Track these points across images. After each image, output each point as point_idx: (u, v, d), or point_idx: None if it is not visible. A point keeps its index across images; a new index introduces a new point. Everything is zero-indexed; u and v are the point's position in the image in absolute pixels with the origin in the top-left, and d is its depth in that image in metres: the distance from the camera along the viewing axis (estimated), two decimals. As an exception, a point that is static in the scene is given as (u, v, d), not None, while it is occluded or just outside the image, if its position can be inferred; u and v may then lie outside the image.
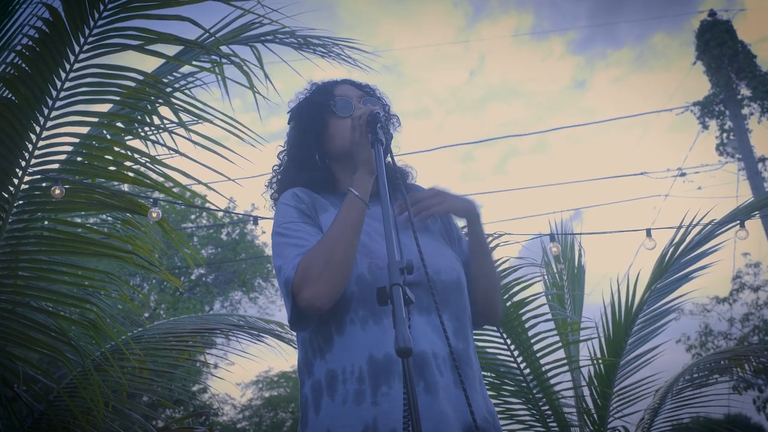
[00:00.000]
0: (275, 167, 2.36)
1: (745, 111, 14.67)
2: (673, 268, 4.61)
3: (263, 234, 22.22)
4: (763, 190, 13.71)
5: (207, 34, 3.92)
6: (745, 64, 14.79)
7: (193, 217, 21.89)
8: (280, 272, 1.93)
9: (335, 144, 2.21)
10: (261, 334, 5.30)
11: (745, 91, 14.83)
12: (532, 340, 4.64)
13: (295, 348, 5.50)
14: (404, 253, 1.97)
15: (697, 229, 4.53)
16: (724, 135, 14.80)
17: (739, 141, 14.34)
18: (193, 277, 21.55)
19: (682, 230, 4.49)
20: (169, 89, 3.86)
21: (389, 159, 2.05)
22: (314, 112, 2.27)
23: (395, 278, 1.62)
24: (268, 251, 22.16)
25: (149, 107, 3.78)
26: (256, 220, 5.72)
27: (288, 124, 2.37)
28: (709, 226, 4.47)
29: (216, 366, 6.15)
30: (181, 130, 3.83)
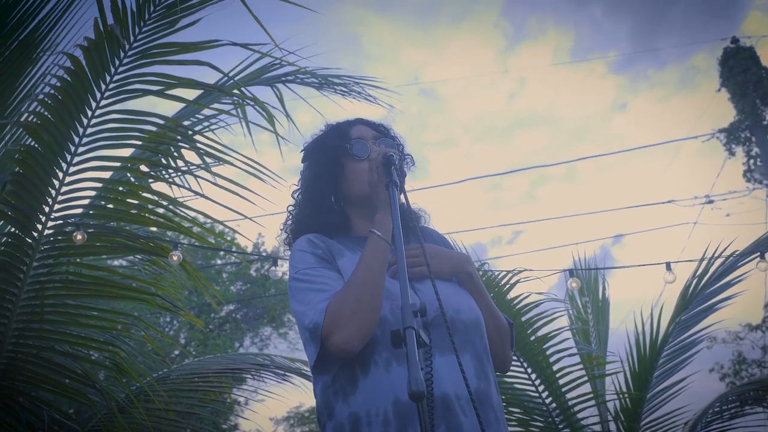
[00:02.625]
0: (290, 207, 2.37)
1: (772, 136, 14.57)
2: (697, 299, 4.57)
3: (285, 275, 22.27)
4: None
5: (226, 77, 3.99)
6: (769, 89, 14.72)
7: (222, 253, 22.01)
8: (303, 317, 1.92)
9: (352, 187, 2.21)
10: (287, 373, 5.30)
11: (770, 117, 14.75)
12: (557, 375, 4.61)
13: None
14: (423, 295, 1.98)
15: (720, 260, 4.49)
16: (751, 161, 14.69)
17: (767, 167, 14.23)
18: (222, 314, 21.61)
19: (705, 262, 4.46)
20: (190, 132, 3.91)
21: (403, 200, 2.06)
22: (331, 156, 2.27)
23: (408, 321, 1.62)
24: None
25: (172, 150, 3.83)
26: (276, 261, 5.73)
27: (302, 162, 2.39)
28: (732, 258, 4.43)
29: (247, 403, 6.15)
30: (203, 173, 3.87)
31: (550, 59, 32.12)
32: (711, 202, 14.40)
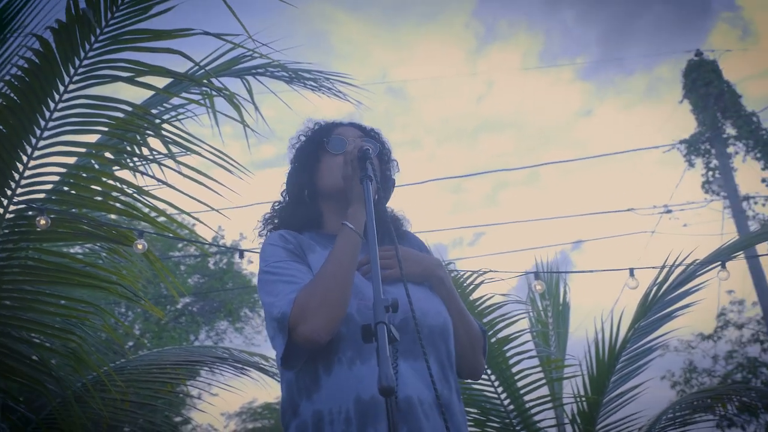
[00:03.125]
0: (275, 204, 2.37)
1: (731, 150, 14.81)
2: (656, 306, 4.62)
3: (250, 264, 22.13)
4: (746, 228, 13.80)
5: (197, 66, 3.96)
6: (730, 103, 14.95)
7: (180, 245, 21.82)
8: (272, 308, 1.91)
9: (325, 181, 2.21)
10: (245, 367, 5.27)
11: (730, 131, 14.99)
12: (516, 377, 4.64)
13: (277, 380, 5.47)
14: (393, 297, 1.98)
15: (681, 268, 4.55)
16: (710, 173, 14.90)
17: (725, 179, 14.46)
18: (179, 306, 21.41)
19: (666, 270, 4.52)
20: (158, 120, 3.87)
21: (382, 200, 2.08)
22: (309, 150, 2.29)
23: (380, 316, 1.62)
24: (255, 281, 22.05)
25: (138, 138, 3.78)
26: (242, 253, 5.70)
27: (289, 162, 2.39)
28: (692, 266, 4.49)
29: (199, 397, 6.11)
30: (169, 161, 3.83)
31: (519, 63, 32.29)
32: (669, 211, 14.62)
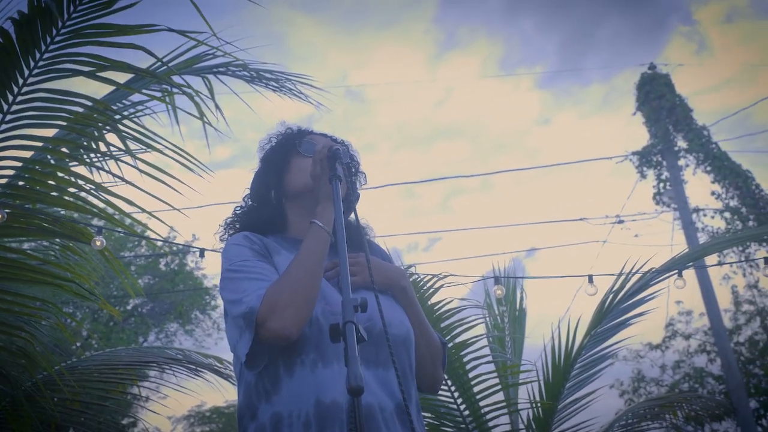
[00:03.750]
0: (237, 209, 2.35)
1: (681, 162, 15.03)
2: (612, 314, 4.68)
3: (203, 263, 21.93)
4: (696, 240, 14.02)
5: (158, 63, 3.91)
6: (682, 117, 15.19)
7: (130, 245, 21.54)
8: (238, 305, 1.87)
9: (293, 182, 2.21)
10: (199, 368, 5.21)
11: (681, 143, 15.22)
12: (473, 382, 4.65)
13: (232, 383, 5.42)
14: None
15: (636, 277, 4.61)
16: (661, 185, 15.12)
17: (675, 191, 14.67)
18: (128, 307, 21.12)
19: (622, 278, 4.58)
20: (117, 116, 3.82)
21: (353, 216, 2.08)
22: (279, 151, 2.29)
23: (349, 315, 1.61)
24: (208, 283, 21.84)
25: (96, 134, 3.73)
26: (202, 252, 5.63)
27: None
28: (648, 274, 4.55)
29: (147, 399, 6.02)
30: (127, 158, 3.78)
31: (478, 70, 32.44)
32: (621, 222, 14.79)
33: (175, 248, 20.55)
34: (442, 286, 4.38)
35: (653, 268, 4.58)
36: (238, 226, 2.28)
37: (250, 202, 2.32)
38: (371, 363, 1.90)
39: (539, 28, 30.83)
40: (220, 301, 22.10)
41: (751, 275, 15.20)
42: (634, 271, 4.54)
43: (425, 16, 32.93)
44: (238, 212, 2.33)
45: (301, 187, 2.17)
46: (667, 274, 4.56)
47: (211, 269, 22.41)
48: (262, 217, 2.22)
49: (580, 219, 14.70)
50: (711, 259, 14.18)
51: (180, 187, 3.69)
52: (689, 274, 13.39)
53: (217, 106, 4.07)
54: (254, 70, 4.76)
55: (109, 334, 18.94)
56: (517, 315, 5.47)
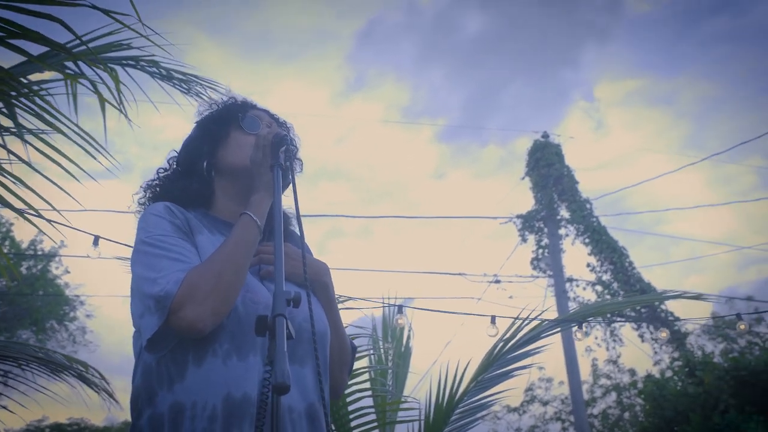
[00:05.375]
0: (160, 170, 2.18)
1: (562, 231, 15.48)
2: (499, 362, 4.65)
3: (67, 274, 20.99)
4: (566, 308, 14.36)
5: (79, 41, 3.68)
6: (568, 187, 15.70)
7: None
8: (152, 284, 1.71)
9: (229, 157, 2.06)
10: (63, 371, 4.88)
11: (564, 213, 15.69)
12: (351, 415, 4.52)
13: (96, 391, 5.10)
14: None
15: (531, 326, 4.61)
16: (540, 251, 15.49)
17: (553, 259, 15.04)
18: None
19: (515, 327, 4.57)
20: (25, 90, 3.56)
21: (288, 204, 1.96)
22: (219, 121, 2.13)
23: (280, 308, 1.49)
24: (69, 292, 20.95)
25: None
26: (96, 239, 5.34)
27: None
28: (545, 323, 4.56)
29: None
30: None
31: (381, 114, 32.64)
32: (498, 281, 15.01)
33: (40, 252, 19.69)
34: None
35: (545, 320, 4.59)
36: (158, 190, 2.10)
37: (175, 166, 2.14)
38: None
39: (448, 81, 31.34)
40: (79, 313, 21.37)
41: (613, 349, 15.65)
42: (530, 317, 4.55)
43: (339, 53, 33.06)
44: (161, 174, 2.17)
45: (237, 165, 2.03)
46: (566, 326, 4.58)
47: (75, 278, 21.45)
48: (188, 188, 2.04)
49: (459, 274, 14.86)
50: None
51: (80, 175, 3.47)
52: (556, 342, 13.77)
53: (120, 102, 3.87)
54: (165, 69, 4.59)
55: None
56: (403, 352, 5.41)
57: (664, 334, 10.54)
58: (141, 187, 2.14)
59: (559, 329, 4.66)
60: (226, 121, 2.12)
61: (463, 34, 29.79)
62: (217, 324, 1.70)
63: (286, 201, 1.96)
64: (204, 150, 2.10)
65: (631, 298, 11.44)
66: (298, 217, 1.88)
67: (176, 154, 2.18)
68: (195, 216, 1.98)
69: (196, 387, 1.69)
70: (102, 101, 3.84)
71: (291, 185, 1.95)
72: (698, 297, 4.49)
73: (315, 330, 1.75)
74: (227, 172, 2.06)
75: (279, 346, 1.41)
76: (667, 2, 27.46)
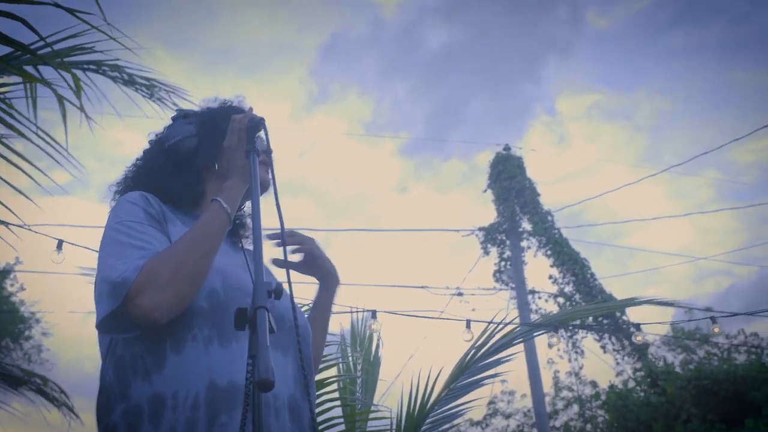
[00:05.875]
0: (138, 160, 2.08)
1: (524, 244, 15.50)
2: (470, 370, 4.59)
3: (22, 291, 20.52)
4: (529, 320, 14.37)
5: (44, 42, 3.57)
6: (529, 200, 15.76)
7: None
8: (111, 270, 1.62)
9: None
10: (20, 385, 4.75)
11: (526, 225, 15.73)
12: (321, 425, 4.42)
13: (55, 405, 4.96)
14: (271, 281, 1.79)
15: (500, 335, 4.55)
16: (503, 263, 15.50)
17: (515, 271, 15.05)
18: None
19: (487, 333, 4.50)
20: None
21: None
22: (222, 121, 2.03)
23: (261, 300, 1.41)
24: (25, 309, 20.53)
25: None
26: (60, 244, 5.19)
27: (180, 119, 2.10)
28: (519, 329, 4.51)
29: None
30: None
31: (344, 128, 32.51)
32: (461, 294, 14.97)
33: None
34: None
35: (519, 324, 4.54)
36: (143, 182, 2.00)
37: (165, 162, 2.03)
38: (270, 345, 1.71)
39: (411, 95, 31.34)
40: (35, 331, 20.94)
41: (575, 361, 15.69)
42: (504, 321, 4.49)
43: (302, 67, 32.91)
44: (140, 165, 2.07)
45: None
46: (541, 331, 4.54)
47: (32, 295, 20.99)
48: (174, 185, 1.96)
49: (422, 287, 14.80)
50: (542, 341, 14.57)
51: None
52: (519, 354, 13.76)
53: (82, 108, 3.76)
54: (129, 74, 4.51)
55: None
56: (372, 361, 5.34)
57: (639, 338, 10.61)
58: (122, 177, 2.05)
59: (533, 335, 4.60)
60: (227, 122, 2.01)
61: (427, 48, 29.86)
62: (176, 314, 1.62)
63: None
64: (202, 148, 2.02)
65: (602, 303, 11.48)
66: (279, 210, 1.80)
67: (159, 142, 2.08)
68: (175, 213, 1.90)
69: (177, 376, 1.61)
70: (63, 106, 3.74)
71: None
72: (668, 303, 4.48)
73: (298, 322, 1.71)
74: (221, 175, 1.97)
75: (261, 339, 1.34)
76: (625, 18, 27.84)
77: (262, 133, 1.92)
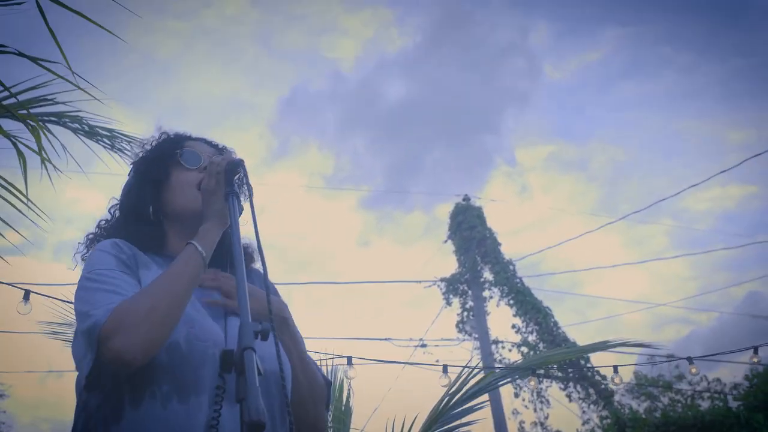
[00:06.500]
0: (102, 222, 2.03)
1: (486, 294, 15.48)
2: (444, 418, 4.52)
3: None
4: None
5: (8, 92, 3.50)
6: (490, 249, 15.78)
7: None
8: (85, 318, 1.58)
9: (175, 200, 1.93)
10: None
11: (488, 275, 15.72)
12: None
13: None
14: (232, 331, 1.72)
15: (475, 380, 4.50)
16: (465, 314, 15.45)
17: (478, 321, 15.02)
18: None
19: (460, 380, 4.45)
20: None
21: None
22: (158, 161, 1.99)
23: (248, 341, 1.35)
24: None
25: None
26: (27, 294, 5.06)
27: (128, 175, 2.07)
28: (498, 371, 4.46)
29: None
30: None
31: (305, 182, 32.33)
32: (424, 345, 14.88)
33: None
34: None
35: (498, 368, 4.49)
36: (106, 236, 1.95)
37: (118, 215, 2.00)
38: (233, 399, 1.64)
39: (371, 148, 31.32)
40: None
41: (541, 411, 15.58)
42: (479, 367, 4.45)
43: (263, 122, 32.81)
44: (103, 226, 2.02)
45: (184, 208, 1.91)
46: (516, 376, 4.48)
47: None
48: (139, 234, 1.90)
49: (385, 339, 14.68)
50: (507, 391, 14.51)
51: None
52: (485, 407, 13.66)
53: (43, 161, 3.68)
54: (88, 125, 4.45)
55: None
56: (344, 410, 5.25)
57: (617, 380, 10.60)
58: (85, 238, 2.00)
59: (507, 380, 4.55)
60: (163, 160, 1.99)
61: (386, 101, 30.00)
62: (148, 358, 1.56)
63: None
64: (147, 195, 1.97)
65: (575, 348, 11.44)
66: (260, 250, 1.74)
67: (118, 203, 2.05)
68: (147, 254, 1.85)
69: (132, 431, 1.55)
70: (23, 159, 3.67)
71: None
72: (642, 345, 4.47)
73: (266, 369, 1.59)
74: (175, 215, 1.94)
75: (251, 380, 1.29)
76: (579, 68, 28.23)
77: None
